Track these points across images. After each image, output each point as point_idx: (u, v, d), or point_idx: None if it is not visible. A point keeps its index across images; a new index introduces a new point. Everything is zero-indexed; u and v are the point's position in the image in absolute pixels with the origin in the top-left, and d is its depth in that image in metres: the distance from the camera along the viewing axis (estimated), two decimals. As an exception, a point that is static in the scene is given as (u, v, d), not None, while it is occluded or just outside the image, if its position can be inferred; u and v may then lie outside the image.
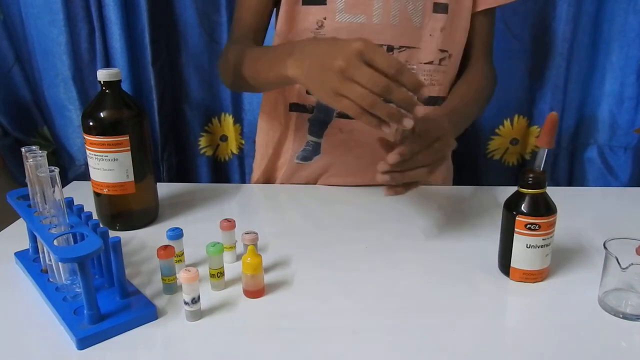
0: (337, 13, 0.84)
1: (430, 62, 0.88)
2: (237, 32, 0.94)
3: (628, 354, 0.51)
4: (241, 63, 0.84)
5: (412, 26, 0.85)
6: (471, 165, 1.30)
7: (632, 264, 0.53)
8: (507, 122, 1.25)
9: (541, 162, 0.60)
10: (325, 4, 0.84)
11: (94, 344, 0.51)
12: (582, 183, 1.28)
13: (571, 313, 0.57)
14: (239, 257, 0.66)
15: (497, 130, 1.26)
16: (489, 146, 1.28)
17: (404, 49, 0.86)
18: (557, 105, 1.18)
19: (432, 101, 0.92)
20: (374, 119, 0.59)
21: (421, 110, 0.58)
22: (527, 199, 0.60)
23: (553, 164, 1.26)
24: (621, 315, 0.55)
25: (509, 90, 1.22)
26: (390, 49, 0.86)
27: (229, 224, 0.66)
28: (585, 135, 1.25)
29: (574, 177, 1.29)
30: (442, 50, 0.88)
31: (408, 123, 0.59)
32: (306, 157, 0.95)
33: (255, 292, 0.59)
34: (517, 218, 0.60)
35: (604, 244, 0.57)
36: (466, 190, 0.94)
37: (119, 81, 0.73)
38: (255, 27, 0.93)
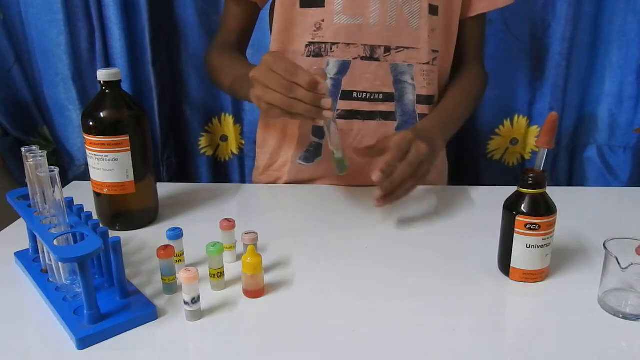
0: (335, 15, 0.85)
1: (427, 63, 0.89)
2: (221, 35, 0.98)
3: (628, 354, 0.51)
4: (219, 71, 0.91)
5: (410, 28, 0.86)
6: (471, 165, 1.30)
7: (632, 264, 0.53)
8: (507, 122, 1.25)
9: (541, 162, 0.60)
10: (324, 6, 0.85)
11: (94, 344, 0.51)
12: (581, 183, 1.28)
13: (571, 313, 0.57)
14: (239, 257, 0.66)
15: (497, 130, 1.26)
16: (489, 146, 1.28)
17: (401, 49, 0.87)
18: (557, 105, 1.18)
19: (428, 100, 0.92)
20: (299, 116, 0.68)
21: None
22: (527, 199, 0.60)
23: (553, 163, 1.26)
24: (621, 315, 0.55)
25: (508, 90, 1.22)
26: (387, 49, 0.87)
27: (229, 224, 0.66)
28: (585, 135, 1.25)
29: (573, 177, 1.29)
30: (434, 51, 0.90)
31: (327, 114, 0.68)
32: (308, 157, 0.95)
33: (255, 292, 0.59)
34: (517, 218, 0.60)
35: (604, 244, 0.57)
36: (466, 190, 0.94)
37: (119, 81, 0.73)
38: (239, 31, 0.96)
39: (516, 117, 1.24)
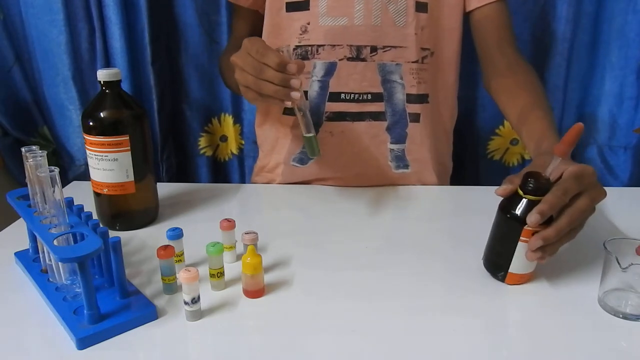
0: (320, 17, 0.85)
1: (416, 61, 0.89)
2: (231, 40, 0.99)
3: (628, 354, 0.51)
4: (228, 70, 0.90)
5: (396, 26, 0.86)
6: (471, 165, 1.30)
7: (632, 264, 0.53)
8: (507, 122, 1.25)
9: (551, 170, 0.57)
10: (308, 9, 0.85)
11: (94, 344, 0.52)
12: (582, 183, 1.27)
13: (571, 313, 0.57)
14: (239, 257, 0.66)
15: (497, 131, 1.26)
16: (489, 146, 1.28)
17: (388, 48, 0.87)
18: (557, 105, 1.18)
19: (419, 99, 0.92)
20: (269, 99, 0.68)
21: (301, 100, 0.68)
22: (528, 204, 0.57)
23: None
24: (621, 315, 0.55)
25: (509, 90, 1.22)
26: (373, 49, 0.86)
27: (229, 224, 0.66)
28: (585, 135, 1.25)
29: (574, 177, 1.28)
30: (424, 49, 0.89)
31: (295, 95, 0.67)
32: (302, 159, 0.95)
33: (255, 292, 0.59)
34: (525, 227, 0.57)
35: (604, 244, 0.57)
36: (466, 190, 0.94)
37: (119, 81, 0.73)
38: (247, 36, 0.95)
39: (516, 117, 1.24)
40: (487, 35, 0.92)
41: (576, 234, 0.58)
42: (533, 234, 0.56)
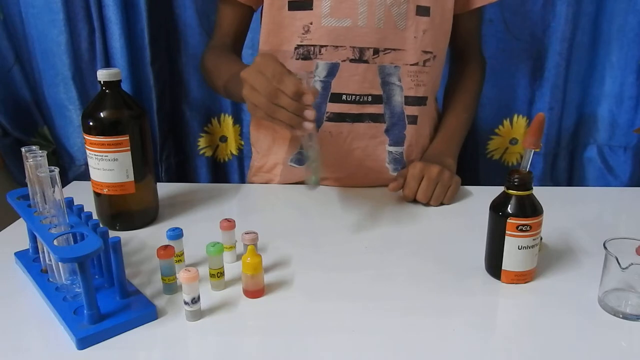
0: (323, 18, 0.85)
1: (416, 64, 0.89)
2: (216, 37, 0.97)
3: (628, 354, 0.51)
4: (214, 71, 0.91)
5: (397, 29, 0.86)
6: (471, 165, 1.30)
7: (632, 264, 0.53)
8: (506, 122, 1.25)
9: (527, 163, 0.60)
10: (312, 9, 0.85)
11: (94, 344, 0.52)
12: (582, 183, 1.28)
13: (571, 313, 0.57)
14: (239, 257, 0.66)
15: (496, 130, 1.26)
16: (488, 146, 1.28)
17: (389, 51, 0.87)
18: (557, 105, 1.18)
19: (418, 101, 0.92)
20: (280, 123, 0.67)
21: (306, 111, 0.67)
22: (514, 200, 0.59)
23: (553, 163, 1.26)
24: (621, 315, 0.55)
25: (508, 90, 1.22)
26: (375, 51, 0.86)
27: (229, 224, 0.66)
28: (585, 135, 1.25)
29: (573, 177, 1.29)
30: (426, 52, 0.89)
31: (308, 126, 0.66)
32: (301, 160, 0.95)
33: (255, 292, 0.59)
34: (508, 220, 0.59)
35: (604, 244, 0.57)
36: (465, 190, 0.94)
37: (119, 81, 0.73)
38: (233, 33, 0.96)
39: (516, 117, 1.24)
40: (468, 35, 1.00)
41: (445, 187, 0.86)
42: (517, 227, 0.59)
